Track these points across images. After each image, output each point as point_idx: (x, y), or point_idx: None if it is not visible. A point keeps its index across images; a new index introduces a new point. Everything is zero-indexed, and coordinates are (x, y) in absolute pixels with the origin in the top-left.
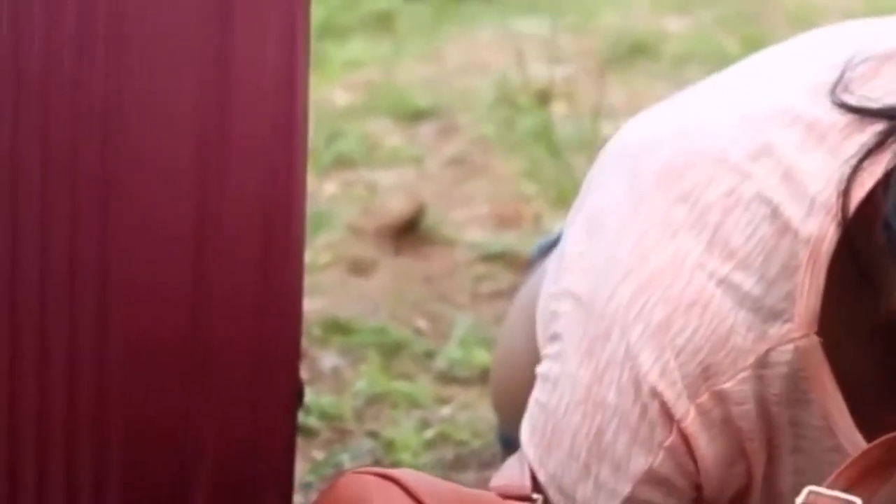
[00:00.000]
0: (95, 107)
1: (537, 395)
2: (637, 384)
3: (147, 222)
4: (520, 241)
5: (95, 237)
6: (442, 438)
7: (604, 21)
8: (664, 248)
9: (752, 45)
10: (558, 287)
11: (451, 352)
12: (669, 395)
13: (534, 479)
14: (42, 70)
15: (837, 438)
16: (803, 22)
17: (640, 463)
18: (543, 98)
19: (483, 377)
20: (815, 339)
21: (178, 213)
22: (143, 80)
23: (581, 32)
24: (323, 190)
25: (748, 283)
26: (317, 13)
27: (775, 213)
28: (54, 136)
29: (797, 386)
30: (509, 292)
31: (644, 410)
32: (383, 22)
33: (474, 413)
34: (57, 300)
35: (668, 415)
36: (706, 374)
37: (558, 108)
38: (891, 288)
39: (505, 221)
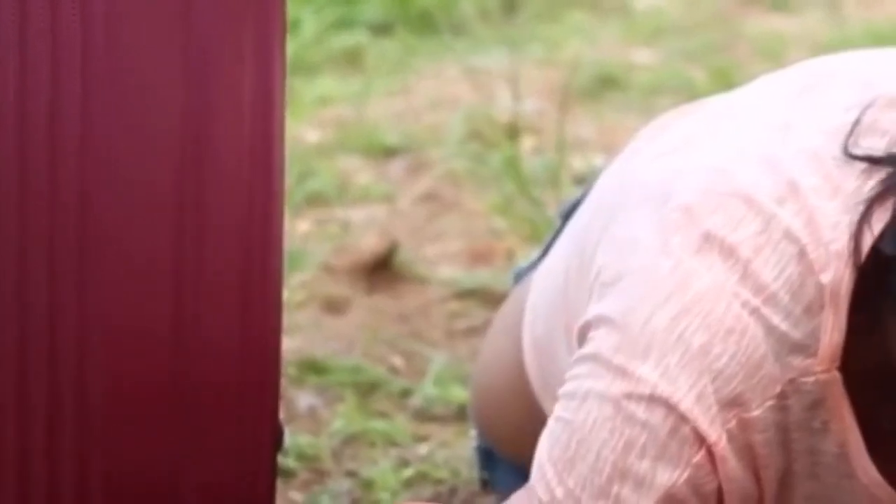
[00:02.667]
0: (72, 150)
1: (560, 412)
2: (670, 406)
3: (125, 265)
4: (493, 278)
5: (73, 281)
6: (420, 477)
7: (572, 54)
8: (702, 275)
9: (721, 76)
10: (589, 315)
11: (427, 390)
12: (703, 420)
13: None
14: (16, 127)
15: (852, 466)
16: (771, 53)
17: (664, 479)
18: (513, 132)
19: (460, 414)
20: (837, 375)
21: (157, 256)
22: (120, 124)
23: (549, 65)
24: (296, 228)
25: (776, 318)
26: (286, 50)
27: (802, 253)
28: (32, 186)
29: (817, 415)
30: (484, 329)
31: (675, 428)
32: (352, 58)
33: (452, 451)
34: (36, 346)
35: (699, 437)
36: (738, 400)
37: (528, 143)
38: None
39: (478, 257)
